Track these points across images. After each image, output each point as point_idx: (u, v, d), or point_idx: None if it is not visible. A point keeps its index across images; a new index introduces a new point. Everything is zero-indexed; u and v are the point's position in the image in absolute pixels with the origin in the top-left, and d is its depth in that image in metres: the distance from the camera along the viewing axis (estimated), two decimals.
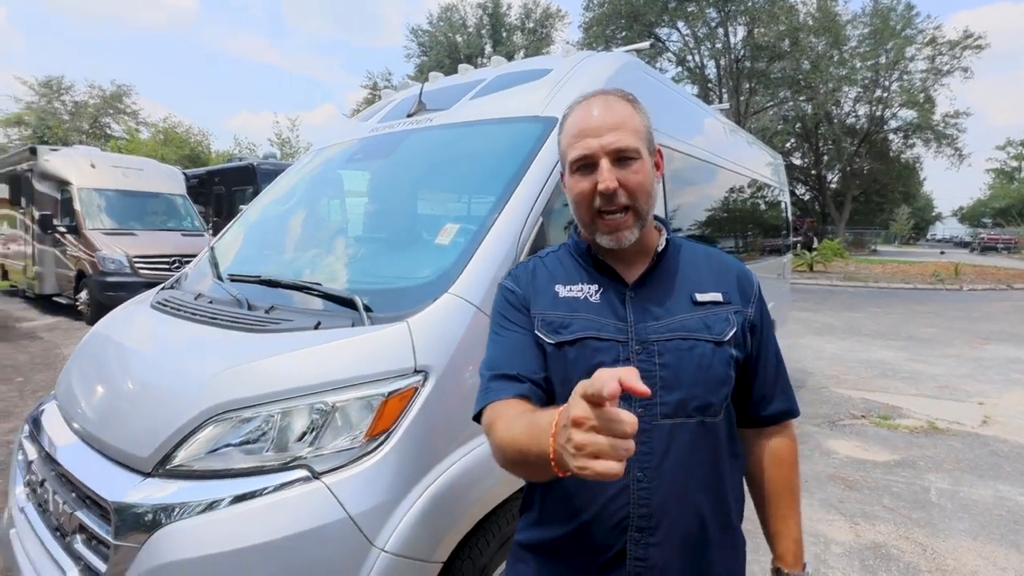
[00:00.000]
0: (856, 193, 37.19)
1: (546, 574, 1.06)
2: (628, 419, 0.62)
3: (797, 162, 37.48)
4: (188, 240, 9.80)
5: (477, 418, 1.02)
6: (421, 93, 2.64)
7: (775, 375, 1.13)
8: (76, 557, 1.51)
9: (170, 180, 10.91)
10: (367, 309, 1.66)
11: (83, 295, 9.12)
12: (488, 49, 35.03)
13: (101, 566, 1.40)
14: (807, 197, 40.10)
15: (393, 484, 1.42)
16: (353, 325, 1.62)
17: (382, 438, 1.44)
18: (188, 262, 9.80)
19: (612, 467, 0.62)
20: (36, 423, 1.99)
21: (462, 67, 2.98)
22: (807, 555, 2.81)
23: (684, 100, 3.52)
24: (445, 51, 34.19)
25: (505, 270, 1.72)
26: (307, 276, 2.10)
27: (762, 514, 1.17)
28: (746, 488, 1.17)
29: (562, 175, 1.09)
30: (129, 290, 8.52)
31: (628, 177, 0.99)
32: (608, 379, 0.61)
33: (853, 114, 33.70)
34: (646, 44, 3.21)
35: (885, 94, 31.00)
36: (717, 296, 1.06)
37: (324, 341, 1.56)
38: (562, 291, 1.07)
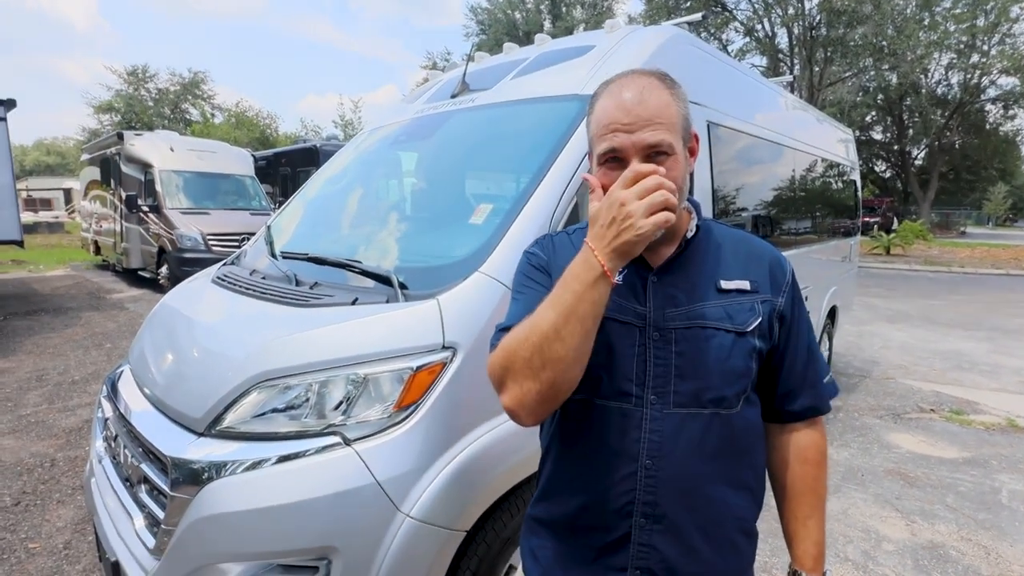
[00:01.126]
0: (944, 170, 34.28)
1: (554, 549, 1.07)
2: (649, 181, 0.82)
3: (878, 137, 34.94)
4: (256, 219, 10.33)
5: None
6: (465, 73, 2.66)
7: (804, 369, 1.07)
8: (141, 505, 1.68)
9: (240, 162, 11.51)
10: (402, 286, 1.72)
11: (164, 270, 9.83)
12: (547, 25, 34.39)
13: (160, 514, 1.55)
14: (887, 175, 37.36)
15: (420, 453, 1.48)
16: (388, 301, 1.69)
17: (411, 409, 1.50)
18: None
19: (670, 215, 0.82)
20: (113, 384, 2.20)
21: (507, 46, 2.97)
22: (855, 550, 2.75)
23: (740, 75, 3.36)
24: (504, 28, 33.85)
25: None
26: (351, 254, 2.19)
27: (782, 513, 1.12)
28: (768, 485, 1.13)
29: (589, 155, 1.04)
30: (203, 265, 8.98)
31: None
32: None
33: (944, 83, 30.89)
34: (697, 16, 3.08)
35: (983, 59, 28.13)
36: (744, 284, 1.01)
37: (359, 316, 1.64)
38: None
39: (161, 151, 10.40)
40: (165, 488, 1.53)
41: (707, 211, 2.62)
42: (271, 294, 1.95)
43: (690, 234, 1.03)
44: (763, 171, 3.53)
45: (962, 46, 27.27)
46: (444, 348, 1.56)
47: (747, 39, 27.83)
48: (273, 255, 2.43)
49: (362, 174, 2.94)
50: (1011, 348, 7.11)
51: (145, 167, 10.38)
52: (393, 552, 1.41)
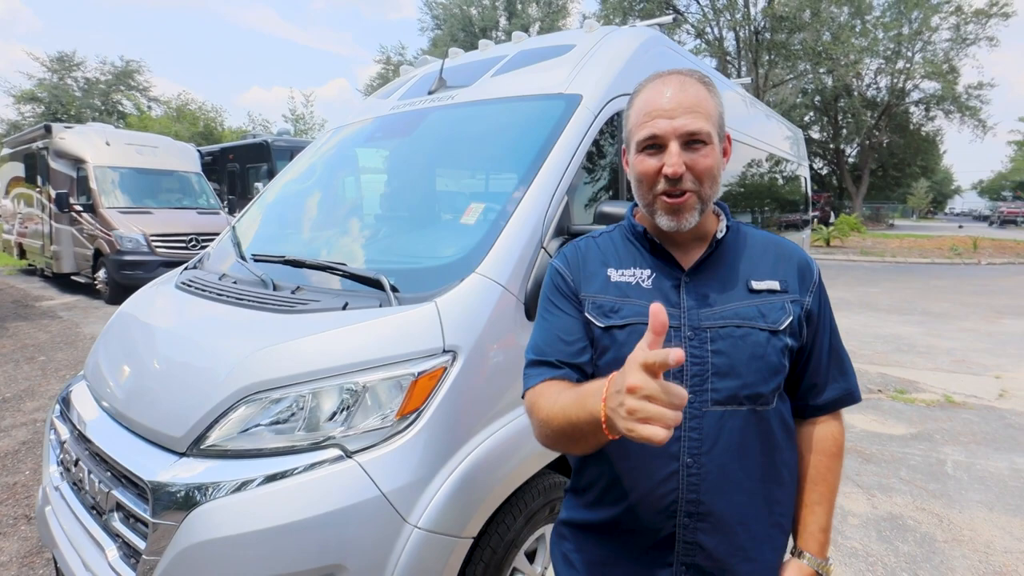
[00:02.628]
0: (874, 167, 36.44)
1: (594, 554, 1.07)
2: (679, 392, 0.68)
3: (815, 136, 36.69)
4: (204, 218, 9.84)
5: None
6: (442, 70, 2.60)
7: (827, 363, 1.10)
8: (114, 534, 1.55)
9: (185, 158, 10.91)
10: (393, 289, 1.66)
11: (101, 274, 9.21)
12: (503, 22, 34.33)
13: (140, 543, 1.43)
14: (825, 171, 39.37)
15: (424, 462, 1.43)
16: (381, 305, 1.62)
17: (413, 417, 1.45)
18: (204, 240, 9.77)
19: (659, 433, 0.67)
20: (66, 403, 2.03)
21: (482, 43, 2.92)
22: None
23: (711, 76, 3.44)
24: (459, 24, 33.56)
25: (531, 250, 1.72)
26: (330, 256, 2.10)
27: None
28: None
29: (624, 151, 1.08)
30: (147, 268, 8.61)
31: (697, 161, 0.96)
32: (671, 351, 0.66)
33: (874, 86, 32.84)
34: (668, 18, 3.12)
35: (907, 65, 30.07)
36: (774, 284, 1.04)
37: (353, 322, 1.57)
38: (614, 275, 1.06)
39: (95, 145, 9.71)
40: (145, 515, 1.41)
41: None
42: (248, 300, 1.84)
43: (720, 235, 1.05)
44: (732, 169, 3.63)
45: (889, 52, 29.07)
46: (445, 352, 1.51)
47: (698, 41, 28.66)
48: (242, 258, 2.31)
49: (333, 173, 2.82)
50: (941, 330, 7.62)
51: (77, 163, 9.68)
52: (403, 565, 1.35)
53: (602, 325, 1.02)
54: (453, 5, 34.47)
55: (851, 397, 1.12)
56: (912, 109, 33.82)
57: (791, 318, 1.02)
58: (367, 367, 1.46)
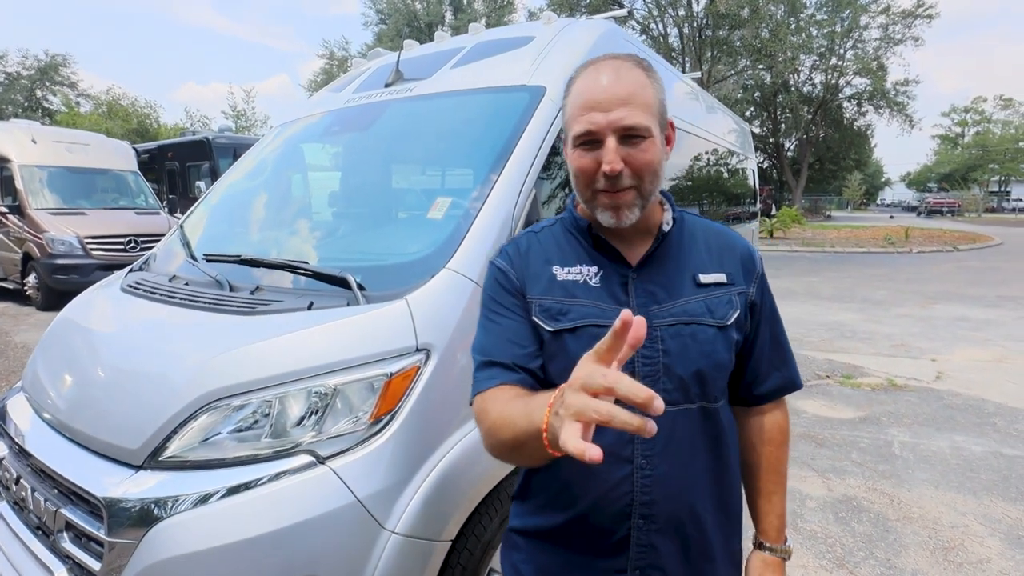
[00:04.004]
0: (812, 161, 38.18)
1: (545, 562, 1.03)
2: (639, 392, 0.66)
3: (756, 130, 37.89)
4: (143, 219, 9.34)
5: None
6: (399, 62, 2.54)
7: (770, 353, 1.09)
8: (63, 556, 1.44)
9: (120, 156, 10.31)
10: (360, 287, 1.61)
11: (31, 279, 8.61)
12: (448, 16, 34.03)
13: (94, 564, 1.34)
14: (765, 165, 40.95)
15: (400, 465, 1.39)
16: (348, 304, 1.57)
17: (386, 419, 1.41)
18: (144, 242, 9.27)
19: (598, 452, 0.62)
20: (3, 417, 1.88)
21: (439, 34, 2.87)
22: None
23: (665, 69, 3.49)
24: (404, 18, 33.05)
25: (502, 244, 1.70)
26: (289, 255, 2.02)
27: (748, 490, 1.15)
28: None
29: (564, 141, 1.03)
30: (82, 272, 8.11)
31: (635, 156, 0.92)
32: (621, 381, 0.62)
33: (809, 82, 34.38)
34: (623, 12, 3.16)
35: (840, 62, 31.65)
36: (721, 277, 1.02)
37: (320, 322, 1.51)
38: (560, 273, 1.01)
39: (20, 143, 9.05)
40: (99, 534, 1.32)
41: None
42: (204, 302, 1.75)
43: (667, 227, 1.02)
44: (687, 163, 3.71)
45: (823, 49, 30.50)
46: (418, 350, 1.48)
47: (643, 37, 29.22)
48: (193, 258, 2.19)
49: (287, 168, 2.71)
50: (880, 317, 8.06)
51: (1, 162, 9.02)
52: (380, 572, 1.31)
53: (551, 329, 0.97)
54: (398, 0, 33.95)
55: (793, 385, 1.13)
56: (845, 104, 35.64)
57: (737, 311, 1.01)
58: (337, 368, 1.41)
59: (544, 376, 0.99)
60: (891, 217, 44.58)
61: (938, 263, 14.81)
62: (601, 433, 0.93)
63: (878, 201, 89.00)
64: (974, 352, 6.21)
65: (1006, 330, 7.20)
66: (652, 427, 0.60)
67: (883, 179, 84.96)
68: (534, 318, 0.99)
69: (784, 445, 1.14)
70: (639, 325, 0.62)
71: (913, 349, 6.35)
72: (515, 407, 0.84)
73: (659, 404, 0.59)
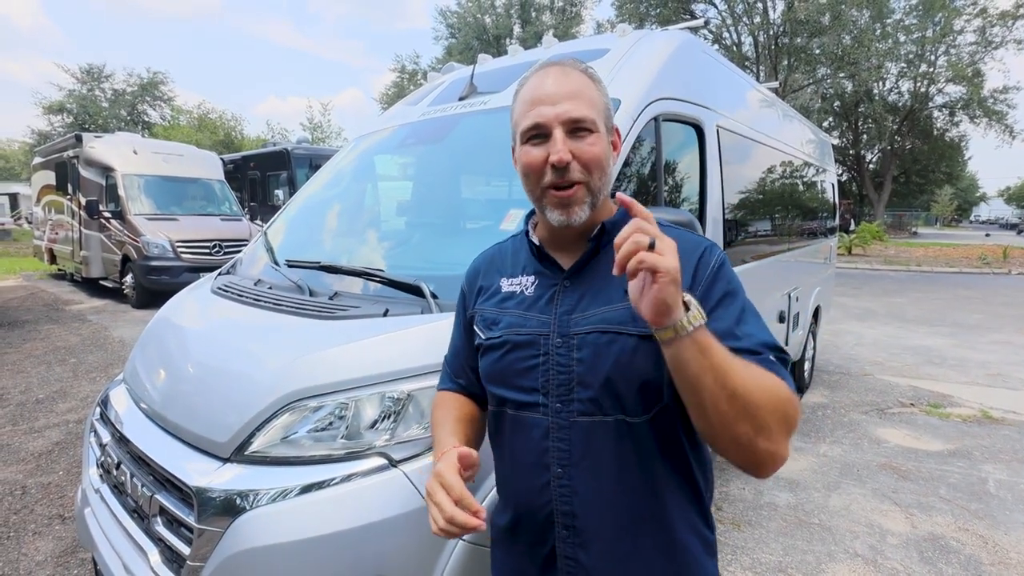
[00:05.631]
0: (896, 173, 35.83)
1: (504, 558, 1.08)
2: (456, 516, 0.86)
3: (835, 142, 36.12)
4: (227, 224, 10.00)
5: None
6: (473, 76, 2.60)
7: (724, 334, 0.86)
8: (156, 539, 1.55)
9: (208, 165, 11.12)
10: (434, 296, 1.65)
11: (128, 279, 9.40)
12: (517, 29, 34.52)
13: (184, 548, 1.42)
14: (844, 178, 38.82)
15: None
16: (422, 312, 1.61)
17: None
18: (228, 246, 9.95)
19: (431, 526, 0.88)
20: (106, 405, 2.04)
21: (512, 48, 2.92)
22: (862, 545, 2.83)
23: (742, 80, 3.40)
24: (473, 32, 33.81)
25: None
26: (364, 263, 2.10)
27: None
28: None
29: (512, 148, 1.04)
30: (172, 274, 8.77)
31: (583, 149, 0.92)
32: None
33: (895, 91, 32.34)
34: (699, 22, 3.10)
35: (931, 69, 29.58)
36: None
37: (395, 328, 1.56)
38: (504, 285, 1.07)
39: (123, 154, 9.94)
40: (190, 521, 1.41)
41: (717, 216, 2.63)
42: (287, 306, 1.84)
43: (594, 232, 0.98)
44: (764, 175, 3.57)
45: (912, 56, 28.61)
46: None
47: (715, 46, 28.55)
48: (276, 263, 2.31)
49: (366, 178, 2.83)
50: (973, 342, 7.42)
51: (106, 171, 9.92)
52: None
53: (484, 337, 1.04)
54: (467, 14, 34.74)
55: (762, 345, 0.89)
56: (936, 114, 33.20)
57: None
58: (411, 375, 1.45)
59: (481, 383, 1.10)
60: (987, 235, 41.06)
61: None
62: (521, 440, 1.01)
63: (972, 218, 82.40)
64: None
65: None
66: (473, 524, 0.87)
67: (978, 194, 78.60)
68: (475, 327, 1.08)
69: (760, 387, 0.81)
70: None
71: (1012, 379, 5.80)
72: (435, 435, 1.10)
73: (468, 517, 0.87)
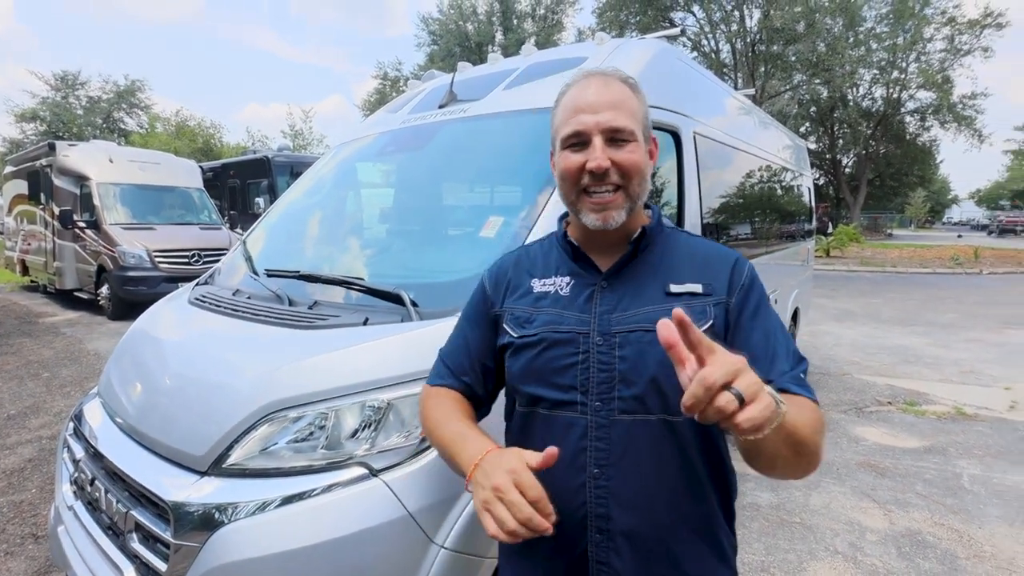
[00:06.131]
0: (871, 177, 36.65)
1: (522, 564, 1.04)
2: (534, 517, 0.79)
3: (812, 146, 36.85)
4: (206, 234, 9.86)
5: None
6: (452, 83, 2.61)
7: (763, 361, 0.93)
8: (131, 556, 1.51)
9: (187, 174, 10.96)
10: (414, 304, 1.64)
11: (104, 290, 9.21)
12: (499, 37, 34.66)
13: (160, 565, 1.40)
14: (821, 181, 39.56)
15: (450, 480, 1.39)
16: (402, 320, 1.61)
17: None
18: (207, 256, 9.77)
19: (491, 527, 0.80)
20: (79, 420, 2.00)
21: (492, 56, 2.94)
22: (842, 543, 2.87)
23: (718, 87, 3.46)
24: (455, 39, 33.88)
25: None
26: (345, 271, 2.09)
27: None
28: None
29: (551, 153, 1.07)
30: (149, 284, 8.62)
31: (622, 157, 0.95)
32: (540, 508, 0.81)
33: (869, 96, 33.12)
34: (676, 31, 3.15)
35: (902, 75, 30.38)
36: (695, 287, 0.98)
37: (375, 337, 1.55)
38: (536, 285, 1.07)
39: (99, 163, 9.75)
40: (166, 536, 1.38)
41: (695, 220, 2.66)
42: (265, 316, 1.82)
43: (635, 236, 1.02)
44: (742, 180, 3.64)
45: (884, 63, 29.35)
46: None
47: (694, 53, 28.97)
48: (255, 273, 2.29)
49: (346, 186, 2.82)
50: (947, 341, 7.60)
51: (81, 180, 9.72)
52: None
53: (516, 335, 1.03)
54: (449, 20, 34.83)
55: (788, 379, 0.94)
56: (908, 119, 34.09)
57: (711, 322, 0.95)
58: (391, 383, 1.44)
59: (508, 381, 1.08)
60: (959, 236, 42.10)
61: (1012, 285, 13.87)
62: (554, 441, 0.95)
63: (944, 219, 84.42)
64: None
65: None
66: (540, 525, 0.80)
67: (950, 196, 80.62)
68: (504, 325, 1.07)
69: (813, 428, 0.86)
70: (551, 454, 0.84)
71: (984, 376, 5.95)
72: (447, 430, 1.01)
73: (545, 517, 0.81)
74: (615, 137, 0.95)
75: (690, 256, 1.03)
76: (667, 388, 0.92)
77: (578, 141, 0.97)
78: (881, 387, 5.58)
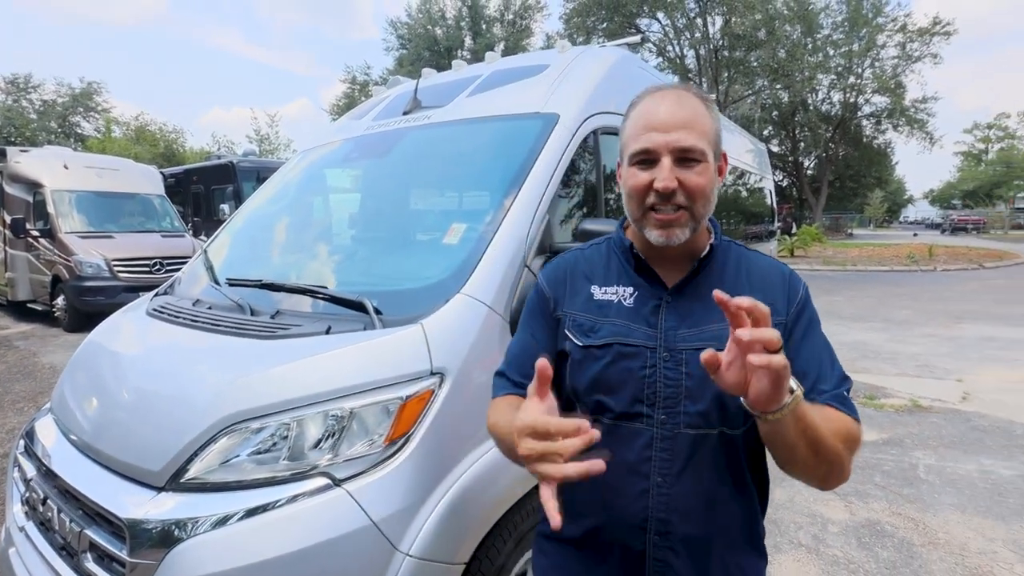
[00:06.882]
0: (831, 179, 37.94)
1: (571, 567, 1.07)
2: (568, 426, 0.76)
3: (775, 149, 38.04)
4: (168, 241, 9.58)
5: None
6: (416, 90, 2.61)
7: (810, 376, 0.98)
8: None
9: (147, 180, 10.63)
10: (377, 312, 1.64)
11: (59, 301, 8.86)
12: (468, 41, 34.71)
13: None
14: (785, 183, 40.73)
15: (414, 488, 1.41)
16: (365, 329, 1.60)
17: (401, 442, 1.43)
18: (169, 264, 9.42)
19: (549, 470, 0.75)
20: (31, 438, 1.93)
21: (456, 63, 2.95)
22: (806, 535, 2.93)
23: None
24: (424, 43, 33.80)
25: (515, 269, 1.73)
26: (309, 280, 2.06)
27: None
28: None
29: (618, 164, 1.07)
30: (108, 294, 8.32)
31: (689, 178, 0.95)
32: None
33: (828, 101, 34.34)
34: (636, 39, 3.21)
35: (858, 81, 31.57)
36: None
37: (337, 346, 1.54)
38: (597, 292, 1.06)
39: (53, 169, 9.39)
40: (121, 555, 1.35)
41: None
42: (226, 326, 1.79)
43: (703, 253, 1.04)
44: None
45: (841, 68, 30.47)
46: (432, 374, 1.50)
47: (660, 59, 29.52)
48: (216, 282, 2.25)
49: (308, 194, 2.79)
50: (903, 336, 7.89)
51: (34, 187, 9.34)
52: None
53: (581, 344, 1.03)
54: (418, 25, 34.74)
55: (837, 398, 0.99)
56: (864, 122, 35.46)
57: None
58: (354, 392, 1.44)
59: (570, 388, 1.05)
60: (915, 235, 43.83)
61: (964, 282, 14.47)
62: (619, 450, 0.98)
63: (901, 219, 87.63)
64: (1002, 373, 6.03)
65: None
66: (592, 467, 0.75)
67: (906, 196, 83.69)
68: (566, 331, 1.06)
69: (836, 434, 0.91)
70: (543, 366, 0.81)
71: (938, 370, 6.20)
72: (505, 418, 0.96)
73: (585, 429, 0.75)
74: (684, 157, 0.95)
75: (748, 271, 1.06)
76: (730, 405, 0.94)
77: (647, 159, 0.96)
78: None
